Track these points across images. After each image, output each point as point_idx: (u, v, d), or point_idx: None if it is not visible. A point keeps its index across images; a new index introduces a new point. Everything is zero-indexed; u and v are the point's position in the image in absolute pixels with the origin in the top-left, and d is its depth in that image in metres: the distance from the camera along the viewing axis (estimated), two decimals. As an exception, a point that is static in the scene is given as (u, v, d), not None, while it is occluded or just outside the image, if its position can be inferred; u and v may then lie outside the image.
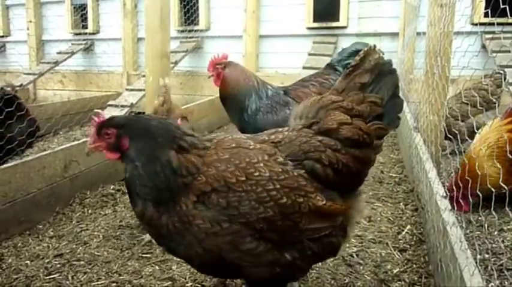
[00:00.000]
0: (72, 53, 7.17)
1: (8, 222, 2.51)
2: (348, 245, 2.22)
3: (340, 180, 1.45)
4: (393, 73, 1.60)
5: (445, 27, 2.63)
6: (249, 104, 2.82)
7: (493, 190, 1.52)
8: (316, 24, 6.41)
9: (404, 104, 4.43)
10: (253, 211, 1.32)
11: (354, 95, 1.53)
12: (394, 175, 3.48)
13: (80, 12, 7.73)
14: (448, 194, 2.08)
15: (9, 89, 3.76)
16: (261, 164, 1.38)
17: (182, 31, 6.96)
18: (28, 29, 7.77)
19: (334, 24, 6.34)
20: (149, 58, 3.93)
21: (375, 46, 1.59)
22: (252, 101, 2.83)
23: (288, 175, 1.38)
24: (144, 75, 5.93)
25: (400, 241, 2.27)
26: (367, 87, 1.55)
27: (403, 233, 2.35)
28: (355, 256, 2.11)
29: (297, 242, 1.40)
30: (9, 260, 2.23)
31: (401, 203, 2.80)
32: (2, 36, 8.28)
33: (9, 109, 3.56)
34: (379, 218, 2.56)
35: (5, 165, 2.66)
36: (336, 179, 1.44)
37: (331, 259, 2.08)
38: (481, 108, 3.28)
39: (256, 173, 1.35)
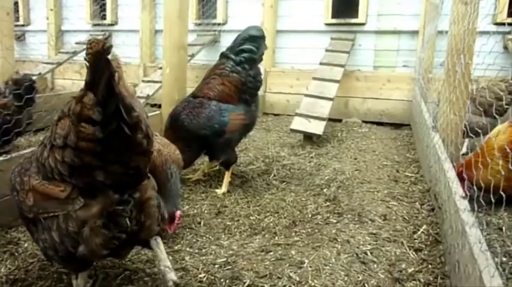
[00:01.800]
0: (90, 44, 7.23)
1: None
2: (362, 242, 2.20)
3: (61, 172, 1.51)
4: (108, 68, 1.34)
5: (470, 25, 2.57)
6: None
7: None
8: (334, 21, 6.33)
9: (422, 104, 4.38)
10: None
11: (79, 93, 1.41)
12: (410, 175, 3.43)
13: (100, 3, 7.78)
14: None
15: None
16: (27, 156, 1.75)
17: (199, 24, 6.96)
18: (48, 18, 7.86)
19: (353, 20, 6.26)
20: (167, 50, 3.94)
21: (105, 38, 1.32)
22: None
23: (29, 161, 1.67)
24: (160, 67, 5.95)
25: (416, 241, 2.24)
26: (93, 85, 1.36)
27: (419, 232, 2.32)
28: (369, 253, 2.09)
29: (35, 220, 1.60)
30: (25, 245, 2.26)
31: (417, 203, 2.76)
32: (23, 25, 8.39)
33: (30, 96, 3.63)
34: (394, 217, 2.52)
35: (23, 151, 2.70)
36: (55, 170, 1.52)
37: (345, 256, 2.06)
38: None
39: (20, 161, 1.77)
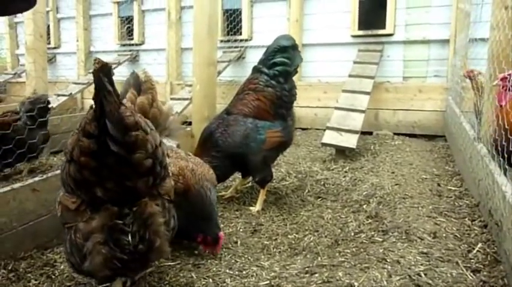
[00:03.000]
0: (119, 63, 7.37)
1: (60, 227, 2.51)
2: (413, 263, 2.05)
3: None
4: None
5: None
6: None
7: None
8: (361, 32, 6.24)
9: (460, 114, 4.19)
10: None
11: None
12: (453, 188, 3.25)
13: (127, 24, 7.95)
14: None
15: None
16: None
17: (226, 41, 6.99)
18: (77, 40, 8.08)
19: (380, 31, 6.16)
20: (197, 66, 3.93)
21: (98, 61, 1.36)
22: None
23: None
24: (188, 85, 5.99)
25: (472, 261, 2.07)
26: (95, 101, 1.45)
27: (474, 251, 2.15)
28: (423, 275, 1.93)
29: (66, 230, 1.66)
30: (61, 267, 2.21)
31: (466, 219, 2.58)
32: (54, 48, 8.64)
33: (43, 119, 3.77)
34: (444, 234, 2.36)
35: (58, 171, 2.68)
36: (66, 182, 1.62)
37: (397, 278, 1.91)
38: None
39: None
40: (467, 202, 2.89)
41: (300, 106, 6.43)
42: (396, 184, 3.34)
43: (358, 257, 2.14)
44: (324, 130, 5.98)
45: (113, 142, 1.43)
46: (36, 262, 2.24)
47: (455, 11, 5.59)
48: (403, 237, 2.32)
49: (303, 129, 6.33)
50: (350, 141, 4.33)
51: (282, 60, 2.96)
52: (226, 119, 3.04)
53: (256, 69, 3.06)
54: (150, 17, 7.75)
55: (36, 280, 2.06)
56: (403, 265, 2.03)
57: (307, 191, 3.42)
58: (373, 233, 2.44)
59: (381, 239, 2.34)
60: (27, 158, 3.70)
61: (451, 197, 3.04)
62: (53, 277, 2.11)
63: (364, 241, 2.35)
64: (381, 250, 2.19)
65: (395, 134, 5.64)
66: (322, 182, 3.60)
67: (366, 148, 4.81)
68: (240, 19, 6.89)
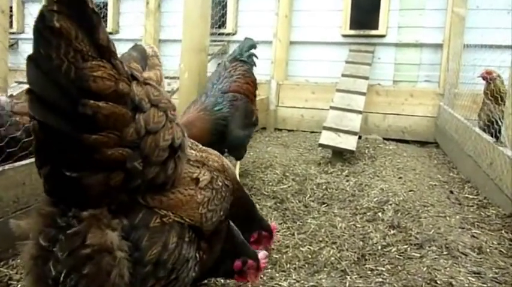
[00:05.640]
0: (89, 53, 6.75)
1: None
2: (467, 285, 1.69)
3: None
4: None
5: None
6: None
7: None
8: (352, 32, 5.97)
9: (462, 119, 3.96)
10: None
11: None
12: (470, 196, 2.96)
13: (100, 11, 7.33)
14: None
15: None
16: None
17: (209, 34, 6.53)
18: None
19: (373, 32, 5.91)
20: (185, 52, 3.47)
21: None
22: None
23: None
24: (169, 77, 5.47)
25: (533, 282, 1.74)
26: None
27: (531, 271, 1.82)
28: (483, 301, 1.58)
29: None
30: (19, 286, 1.71)
31: (503, 231, 2.27)
32: (16, 33, 7.86)
33: None
34: (488, 250, 2.02)
35: (19, 163, 2.16)
36: None
37: (456, 306, 1.54)
38: None
39: None
40: (494, 211, 2.59)
41: (286, 106, 6.09)
42: (410, 190, 3.01)
43: (399, 277, 1.76)
44: (311, 132, 5.70)
45: (42, 106, 0.98)
46: (-15, 280, 1.72)
47: (450, 14, 5.42)
48: (444, 252, 1.96)
49: (289, 130, 5.96)
50: (349, 143, 3.99)
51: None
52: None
53: (235, 59, 3.28)
54: (126, 4, 7.18)
55: (-17, 305, 1.55)
56: (457, 288, 1.66)
57: (308, 195, 3.04)
58: (405, 246, 2.07)
59: (418, 255, 1.97)
60: None
61: (473, 206, 2.74)
62: (8, 300, 1.61)
63: (397, 256, 1.98)
64: (423, 268, 1.82)
65: (384, 139, 5.38)
66: (324, 187, 3.23)
67: (360, 152, 4.49)
68: (225, 11, 6.46)
